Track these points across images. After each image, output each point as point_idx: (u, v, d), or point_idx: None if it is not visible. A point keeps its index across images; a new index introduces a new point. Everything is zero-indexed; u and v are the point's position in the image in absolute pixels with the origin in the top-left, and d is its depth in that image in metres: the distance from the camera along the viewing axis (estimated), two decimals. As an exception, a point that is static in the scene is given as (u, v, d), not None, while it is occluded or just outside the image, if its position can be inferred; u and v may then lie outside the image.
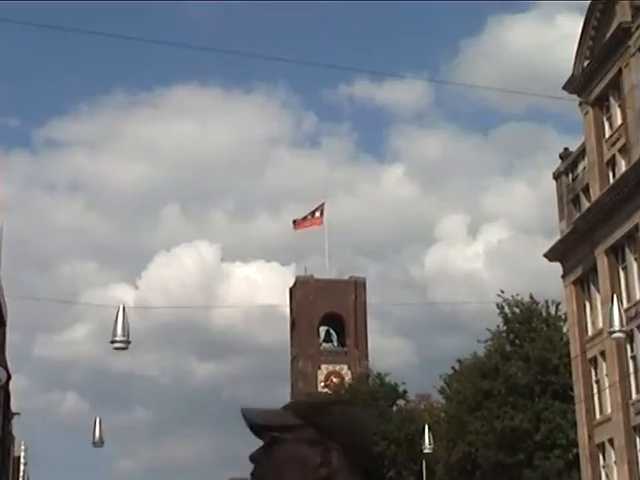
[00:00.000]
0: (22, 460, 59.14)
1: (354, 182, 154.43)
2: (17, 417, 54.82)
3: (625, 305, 36.19)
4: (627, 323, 28.71)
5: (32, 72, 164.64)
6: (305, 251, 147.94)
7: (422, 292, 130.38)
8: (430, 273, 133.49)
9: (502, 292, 51.37)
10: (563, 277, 44.38)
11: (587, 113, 41.28)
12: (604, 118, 40.74)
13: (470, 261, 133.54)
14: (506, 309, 50.96)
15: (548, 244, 45.71)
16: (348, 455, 2.04)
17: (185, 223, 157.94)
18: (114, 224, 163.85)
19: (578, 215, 42.23)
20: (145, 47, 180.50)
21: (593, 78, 40.27)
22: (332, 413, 2.07)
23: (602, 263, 40.02)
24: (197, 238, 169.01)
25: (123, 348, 22.18)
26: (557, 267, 45.07)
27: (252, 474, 2.11)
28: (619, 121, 39.67)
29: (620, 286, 39.03)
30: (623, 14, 38.02)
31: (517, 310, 51.06)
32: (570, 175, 44.15)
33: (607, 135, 40.54)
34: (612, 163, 40.31)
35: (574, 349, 43.07)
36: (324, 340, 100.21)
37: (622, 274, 39.53)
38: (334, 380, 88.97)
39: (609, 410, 40.13)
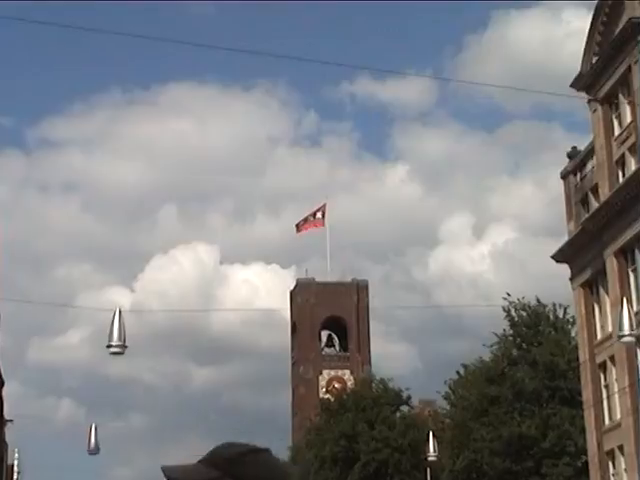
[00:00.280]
0: (15, 468, 59.05)
1: (356, 182, 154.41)
2: (10, 424, 54.81)
3: (635, 308, 36.11)
4: (637, 327, 28.66)
5: (25, 70, 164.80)
6: (306, 253, 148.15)
7: (426, 295, 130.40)
8: (434, 275, 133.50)
9: (508, 295, 51.44)
10: (571, 279, 44.32)
11: (596, 111, 41.22)
12: (613, 116, 40.68)
13: (475, 263, 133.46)
14: (512, 312, 50.97)
15: (555, 245, 45.67)
16: None
17: (183, 224, 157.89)
18: (110, 225, 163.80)
19: (587, 216, 42.17)
20: (141, 44, 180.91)
21: (602, 75, 40.20)
22: (245, 463, 2.43)
23: (611, 265, 39.95)
24: (195, 240, 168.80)
25: (119, 353, 22.14)
26: (565, 269, 45.02)
27: None
28: (629, 119, 39.61)
29: (630, 289, 38.96)
30: (632, 9, 37.97)
31: (524, 313, 51.04)
32: (578, 174, 44.09)
33: (616, 133, 40.48)
34: (621, 162, 40.26)
35: (583, 353, 43.00)
36: (326, 345, 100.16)
37: (632, 276, 39.47)
38: (336, 386, 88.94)
39: (619, 416, 40.06)
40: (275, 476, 2.48)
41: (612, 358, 40.32)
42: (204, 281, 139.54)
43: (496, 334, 51.40)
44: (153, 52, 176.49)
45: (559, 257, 44.93)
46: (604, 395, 41.47)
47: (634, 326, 25.33)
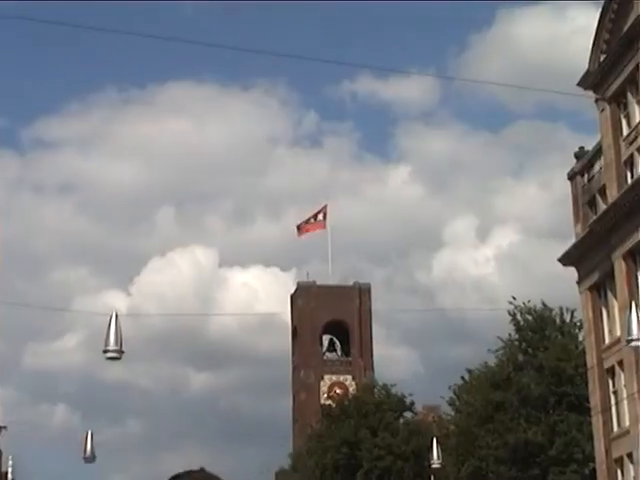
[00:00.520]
0: (9, 475, 58.96)
1: (358, 183, 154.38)
2: (4, 430, 54.75)
3: (644, 312, 35.99)
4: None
5: (19, 69, 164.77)
6: (307, 256, 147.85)
7: (430, 298, 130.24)
8: (438, 278, 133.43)
9: (514, 299, 51.35)
10: (578, 283, 44.25)
11: (603, 110, 41.16)
12: (621, 115, 40.61)
13: (479, 266, 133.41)
14: (518, 316, 50.88)
15: (562, 248, 45.61)
16: None
17: (180, 226, 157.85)
18: (106, 227, 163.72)
19: (594, 217, 42.10)
20: (138, 42, 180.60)
21: (610, 73, 40.13)
22: None
23: (620, 268, 39.88)
24: (193, 242, 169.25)
25: (116, 358, 22.07)
26: (572, 272, 44.96)
27: None
28: (637, 118, 39.56)
29: (638, 292, 38.89)
30: (641, 6, 37.93)
31: (529, 317, 50.98)
32: (586, 175, 44.04)
33: (625, 133, 40.42)
34: (630, 162, 40.19)
35: (590, 358, 42.93)
36: (327, 349, 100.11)
37: (641, 279, 39.42)
38: (338, 391, 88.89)
39: (627, 423, 39.98)
40: None
41: (620, 363, 40.25)
42: (202, 284, 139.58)
43: (501, 338, 51.36)
44: (150, 50, 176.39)
45: (566, 260, 44.86)
46: (612, 401, 41.39)
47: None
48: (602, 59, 40.41)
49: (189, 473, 2.54)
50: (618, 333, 39.82)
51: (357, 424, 63.62)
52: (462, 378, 54.90)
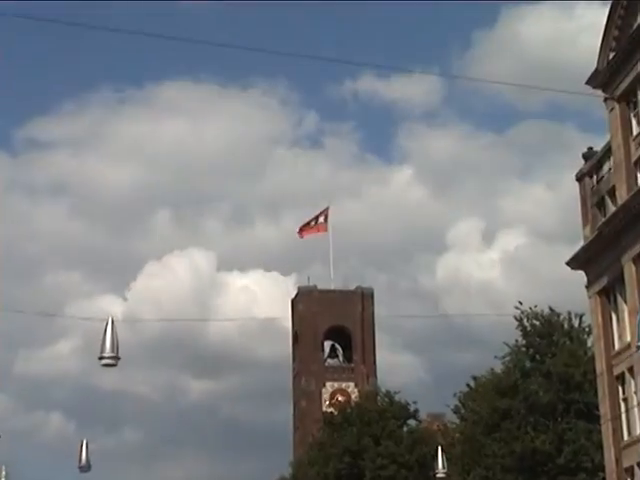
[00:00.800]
0: (3, 486, 58.85)
1: (359, 185, 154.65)
2: (-2, 439, 54.60)
3: (655, 317, 35.90)
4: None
5: (11, 67, 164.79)
6: (308, 260, 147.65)
7: (434, 303, 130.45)
8: (442, 283, 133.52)
9: (520, 304, 51.25)
10: (587, 287, 44.15)
11: (613, 109, 41.07)
12: (631, 114, 40.52)
13: (485, 270, 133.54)
14: (525, 322, 50.80)
15: (570, 251, 45.52)
16: None
17: (178, 229, 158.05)
18: (101, 230, 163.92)
19: (603, 220, 42.01)
20: (134, 40, 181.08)
21: (619, 72, 40.05)
22: None
23: (630, 271, 39.77)
24: (191, 245, 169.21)
25: (112, 365, 22.05)
26: (580, 276, 44.86)
27: None
28: (647, 118, 39.51)
29: (649, 296, 38.82)
30: (652, 2, 37.87)
31: (537, 323, 50.89)
32: (594, 176, 43.94)
33: (635, 133, 40.33)
34: (640, 163, 40.12)
35: (599, 365, 42.82)
36: (329, 355, 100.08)
37: (651, 283, 39.32)
38: (340, 399, 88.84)
39: (638, 431, 39.89)
40: None
41: (631, 369, 40.14)
42: (200, 289, 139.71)
43: (508, 344, 51.27)
44: (147, 49, 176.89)
45: (574, 263, 44.76)
46: (622, 409, 41.27)
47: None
48: (611, 57, 40.32)
49: None
50: (628, 339, 39.72)
51: (360, 432, 63.55)
52: (467, 385, 54.87)
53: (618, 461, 41.13)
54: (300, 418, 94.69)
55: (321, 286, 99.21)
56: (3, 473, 59.05)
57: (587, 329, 49.77)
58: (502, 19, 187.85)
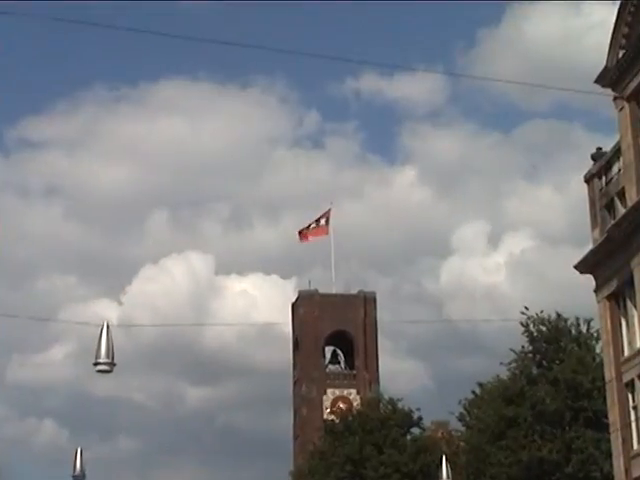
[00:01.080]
0: (-5, 495, 58.83)
1: (361, 186, 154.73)
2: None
3: (666, 322, 35.90)
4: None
5: (3, 65, 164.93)
6: (308, 263, 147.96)
7: (438, 308, 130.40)
8: (446, 287, 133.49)
9: (526, 309, 51.20)
10: (596, 291, 44.06)
11: (622, 109, 40.99)
12: (641, 114, 40.45)
13: (490, 274, 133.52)
14: (531, 327, 50.75)
15: (578, 255, 45.44)
16: None
17: (174, 232, 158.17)
18: (95, 233, 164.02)
19: (613, 222, 41.92)
20: (129, 37, 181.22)
21: (630, 70, 39.95)
22: None
23: (640, 275, 39.72)
24: (188, 248, 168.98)
25: (107, 371, 22.05)
26: (588, 280, 44.78)
27: None
28: (658, 117, 39.42)
29: (660, 301, 38.75)
30: (662, -1, 37.79)
31: (544, 328, 50.85)
32: (603, 178, 43.85)
33: (645, 133, 40.24)
34: (650, 164, 40.03)
35: (608, 371, 42.72)
36: (330, 362, 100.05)
37: (662, 288, 39.23)
38: (341, 406, 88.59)
39: (648, 440, 39.80)
40: None
41: (641, 376, 40.08)
42: (198, 293, 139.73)
43: (514, 350, 51.24)
44: (142, 46, 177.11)
45: (583, 267, 44.67)
46: (632, 417, 41.16)
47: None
48: (621, 55, 40.24)
49: None
50: (638, 345, 39.67)
51: (362, 441, 63.48)
52: (473, 392, 54.84)
53: (627, 471, 41.00)
54: (300, 426, 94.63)
55: (322, 290, 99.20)
56: (-5, 482, 59.06)
57: (595, 335, 49.74)
58: (507, 16, 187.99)
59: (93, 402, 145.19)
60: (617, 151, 42.44)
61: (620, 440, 41.40)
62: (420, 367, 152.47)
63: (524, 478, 47.68)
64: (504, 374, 52.05)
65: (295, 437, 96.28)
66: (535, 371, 50.49)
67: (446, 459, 42.15)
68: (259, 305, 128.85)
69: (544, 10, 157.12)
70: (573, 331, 51.43)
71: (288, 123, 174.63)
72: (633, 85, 40.17)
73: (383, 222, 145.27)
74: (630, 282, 40.73)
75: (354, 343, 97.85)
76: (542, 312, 51.24)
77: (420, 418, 66.75)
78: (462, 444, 56.11)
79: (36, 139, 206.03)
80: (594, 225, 44.24)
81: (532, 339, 50.85)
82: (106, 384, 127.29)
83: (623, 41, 40.22)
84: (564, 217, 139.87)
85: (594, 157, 44.91)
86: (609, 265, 42.49)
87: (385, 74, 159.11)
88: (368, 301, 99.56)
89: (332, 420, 72.28)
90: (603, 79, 41.18)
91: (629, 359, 41.36)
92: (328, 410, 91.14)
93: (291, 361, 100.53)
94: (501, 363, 51.88)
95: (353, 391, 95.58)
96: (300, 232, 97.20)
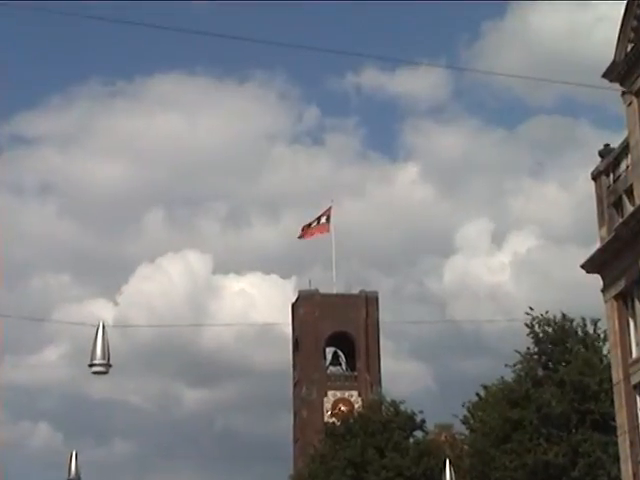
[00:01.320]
0: (-12, 499, 58.81)
1: (362, 184, 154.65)
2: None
3: (675, 323, 35.84)
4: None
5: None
6: (308, 262, 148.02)
7: (441, 309, 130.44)
8: (450, 287, 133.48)
9: (531, 309, 51.16)
10: (603, 291, 44.00)
11: (631, 104, 40.90)
12: (650, 109, 40.38)
13: (495, 273, 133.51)
14: (536, 328, 50.71)
15: (584, 254, 45.39)
16: None
17: (171, 230, 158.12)
18: (90, 231, 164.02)
19: (620, 220, 41.86)
20: (125, 30, 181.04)
21: (638, 64, 39.90)
22: None
23: (648, 275, 39.67)
24: (185, 247, 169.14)
25: (103, 372, 22.02)
26: (595, 280, 44.73)
27: None
28: (667, 113, 39.35)
29: (669, 301, 38.72)
30: (671, -9, 37.72)
31: (549, 329, 50.81)
32: (611, 175, 43.78)
33: (654, 129, 40.18)
34: (659, 161, 39.97)
35: (616, 373, 42.66)
36: (331, 363, 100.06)
37: (671, 287, 39.23)
38: (342, 408, 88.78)
39: (657, 443, 39.74)
40: None
41: (649, 378, 40.04)
42: (195, 293, 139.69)
43: (519, 352, 51.19)
44: (138, 40, 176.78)
45: (589, 266, 44.60)
46: (640, 420, 41.15)
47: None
48: (630, 49, 40.16)
49: None
50: (646, 346, 39.59)
51: (363, 444, 63.46)
52: (477, 394, 54.83)
53: (635, 475, 40.95)
54: (301, 429, 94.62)
55: (323, 290, 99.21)
56: (-12, 486, 59.03)
57: (603, 336, 49.69)
58: (512, 9, 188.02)
59: (88, 404, 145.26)
60: (625, 147, 42.37)
61: (628, 443, 41.35)
62: (423, 369, 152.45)
63: (529, 482, 47.70)
64: (509, 376, 52.10)
65: (295, 440, 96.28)
66: (541, 373, 50.45)
67: (450, 463, 42.11)
68: (258, 305, 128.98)
69: (550, 2, 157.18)
70: (579, 332, 51.39)
71: (287, 119, 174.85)
72: (642, 80, 40.10)
73: (385, 220, 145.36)
74: (638, 282, 40.69)
75: (355, 344, 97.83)
76: (547, 312, 51.24)
77: (423, 421, 66.76)
78: (466, 447, 56.09)
79: (29, 135, 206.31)
80: (601, 223, 44.18)
81: (537, 340, 50.82)
82: (101, 386, 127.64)
83: (632, 34, 40.14)
84: (570, 215, 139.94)
85: (602, 154, 44.84)
86: (617, 264, 42.43)
87: (386, 68, 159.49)
88: (370, 301, 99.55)
89: (333, 423, 72.26)
90: (611, 73, 41.10)
91: (637, 360, 41.31)
92: (329, 412, 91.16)
93: (291, 362, 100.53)
94: (506, 365, 51.88)
95: (354, 393, 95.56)
96: (300, 230, 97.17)
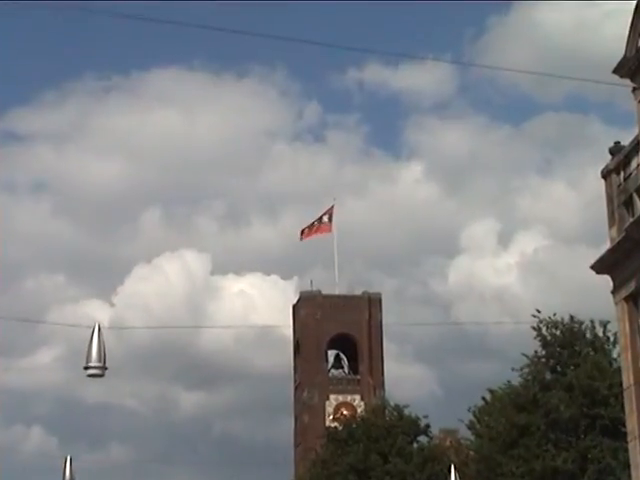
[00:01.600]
0: (-19, 505, 58.82)
1: (365, 182, 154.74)
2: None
3: (687, 325, 35.79)
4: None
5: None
6: (310, 262, 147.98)
7: (445, 310, 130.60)
8: (455, 288, 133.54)
9: (538, 312, 51.08)
10: (613, 292, 43.94)
11: (642, 100, 40.91)
12: (662, 105, 40.35)
13: (501, 274, 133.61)
14: (544, 331, 50.66)
15: (593, 254, 45.35)
16: None
17: (168, 230, 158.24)
18: (85, 231, 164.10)
19: (631, 220, 41.80)
20: (121, 24, 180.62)
21: (649, 59, 39.87)
22: None
23: (660, 276, 39.65)
24: (182, 247, 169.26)
25: (99, 375, 22.01)
26: (605, 281, 44.67)
27: None
28: (679, 109, 39.31)
29: (681, 303, 38.66)
30: (684, -16, 37.69)
31: (557, 332, 50.76)
32: (622, 173, 43.72)
33: (665, 126, 40.16)
34: (671, 159, 39.97)
35: (627, 377, 42.60)
36: (333, 366, 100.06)
37: (683, 289, 39.18)
38: (345, 412, 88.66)
39: (668, 449, 39.68)
40: None
41: (661, 382, 39.98)
42: (193, 294, 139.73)
43: (526, 355, 51.15)
44: (134, 34, 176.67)
45: (599, 267, 44.54)
46: (651, 425, 41.10)
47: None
48: (640, 43, 40.15)
49: None
50: (658, 349, 39.53)
51: (366, 449, 63.43)
52: (483, 399, 54.76)
53: (646, 482, 40.96)
54: (302, 433, 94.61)
55: (325, 291, 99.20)
56: (-20, 492, 59.02)
57: (612, 338, 49.64)
58: (518, 3, 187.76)
59: (83, 408, 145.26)
60: (636, 145, 42.33)
61: (638, 449, 41.28)
62: (427, 372, 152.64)
63: (537, 489, 47.67)
64: (516, 380, 52.04)
65: (296, 445, 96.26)
66: (548, 377, 50.41)
67: (455, 469, 42.12)
68: (258, 306, 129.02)
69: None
70: (588, 334, 51.32)
71: (288, 115, 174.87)
72: (653, 75, 40.08)
73: (388, 220, 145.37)
74: (650, 283, 40.68)
75: (358, 347, 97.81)
76: (555, 315, 51.17)
77: (427, 426, 66.70)
78: (472, 453, 56.05)
79: (22, 132, 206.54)
80: (611, 223, 44.13)
81: (545, 343, 50.76)
82: (97, 389, 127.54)
83: (643, 29, 40.13)
84: (578, 215, 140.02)
85: (612, 151, 44.79)
86: (628, 265, 42.38)
87: (390, 64, 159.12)
88: (373, 303, 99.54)
89: (335, 427, 72.25)
90: (621, 69, 41.05)
91: (648, 364, 41.30)
92: (331, 417, 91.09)
93: (292, 365, 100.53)
94: (513, 369, 51.83)
95: (357, 397, 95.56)
96: (302, 230, 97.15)
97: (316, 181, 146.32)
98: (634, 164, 42.74)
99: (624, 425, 43.47)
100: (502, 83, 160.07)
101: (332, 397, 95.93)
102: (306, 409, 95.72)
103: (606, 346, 50.76)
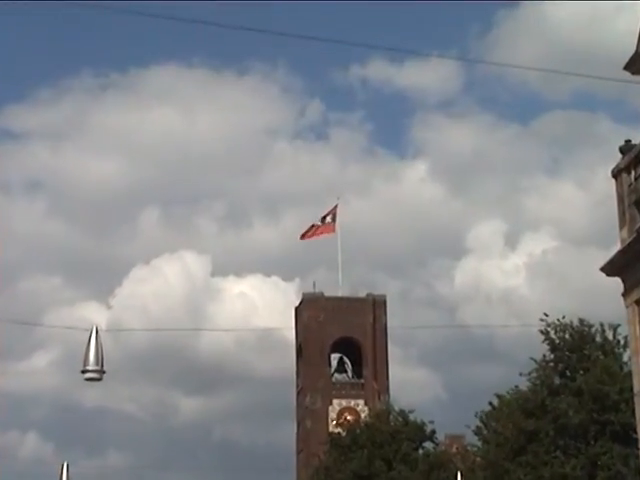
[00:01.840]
0: (-25, 513, 58.80)
1: (369, 182, 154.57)
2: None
3: (700, 329, 35.69)
4: None
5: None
6: (313, 264, 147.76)
7: (451, 313, 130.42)
8: (461, 290, 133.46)
9: (546, 316, 51.02)
10: (624, 295, 43.85)
11: (653, 98, 40.84)
12: (674, 104, 40.30)
13: (508, 276, 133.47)
14: (552, 334, 50.61)
15: (602, 256, 45.19)
16: None
17: (167, 230, 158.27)
18: (82, 231, 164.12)
19: (642, 221, 41.76)
20: (118, 20, 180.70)
21: (662, 55, 39.80)
22: None
23: (671, 278, 39.56)
24: (182, 248, 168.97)
25: (96, 379, 21.99)
26: (615, 283, 44.58)
27: None
28: (692, 107, 39.25)
29: (693, 306, 38.56)
30: (697, -22, 37.61)
31: (566, 335, 50.70)
32: (633, 172, 43.64)
33: (677, 124, 40.09)
34: (684, 158, 39.85)
35: (637, 381, 42.47)
36: (336, 370, 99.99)
37: (696, 291, 39.07)
38: (348, 418, 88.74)
39: (680, 456, 39.60)
40: None
41: (672, 387, 39.87)
42: (193, 296, 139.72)
43: (534, 359, 51.10)
44: (132, 29, 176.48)
45: (610, 269, 44.42)
46: (663, 431, 41.01)
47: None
48: (652, 39, 40.08)
49: None
50: (670, 353, 39.41)
51: (370, 455, 63.41)
52: (490, 404, 54.72)
53: (658, 489, 40.90)
54: (304, 439, 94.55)
55: (328, 293, 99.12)
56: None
57: (623, 342, 49.57)
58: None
59: (80, 413, 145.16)
60: (648, 143, 42.31)
61: (650, 456, 41.29)
62: (433, 376, 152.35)
63: (545, 497, 47.63)
64: (524, 385, 51.98)
65: (298, 451, 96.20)
66: (557, 381, 50.34)
67: (461, 475, 42.15)
68: (259, 309, 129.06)
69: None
70: (598, 338, 51.24)
71: (289, 113, 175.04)
72: (665, 72, 40.00)
73: (392, 220, 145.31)
74: (661, 285, 40.58)
75: (362, 350, 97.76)
76: (564, 318, 51.09)
77: (433, 431, 66.70)
78: (478, 460, 55.99)
79: (18, 130, 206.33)
80: (622, 224, 44.01)
81: (554, 347, 50.70)
82: (94, 393, 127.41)
83: (655, 24, 40.07)
84: (588, 215, 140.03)
85: (622, 150, 44.67)
86: (639, 267, 42.32)
87: (394, 60, 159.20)
88: (377, 305, 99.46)
89: (338, 433, 72.25)
90: (633, 65, 40.96)
91: (660, 368, 41.21)
92: (334, 422, 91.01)
93: (294, 369, 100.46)
94: (520, 373, 51.77)
95: (361, 402, 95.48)
96: (305, 233, 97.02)
97: (318, 180, 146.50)
98: (645, 163, 42.68)
99: (635, 431, 43.35)
100: (509, 80, 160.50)
101: (335, 402, 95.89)
102: (308, 414, 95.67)
103: (616, 350, 50.69)
